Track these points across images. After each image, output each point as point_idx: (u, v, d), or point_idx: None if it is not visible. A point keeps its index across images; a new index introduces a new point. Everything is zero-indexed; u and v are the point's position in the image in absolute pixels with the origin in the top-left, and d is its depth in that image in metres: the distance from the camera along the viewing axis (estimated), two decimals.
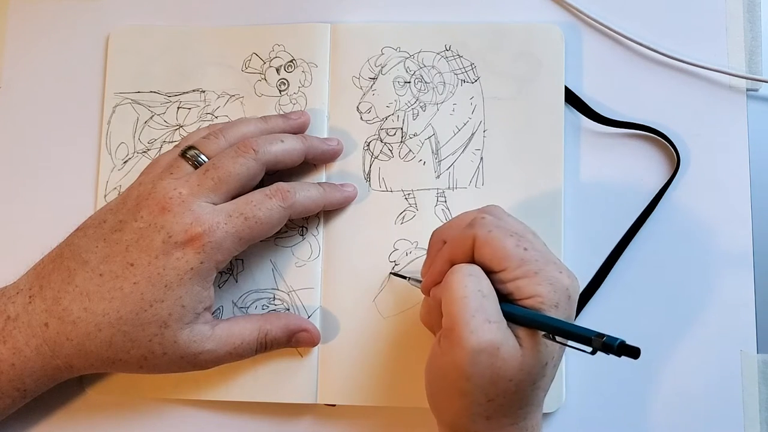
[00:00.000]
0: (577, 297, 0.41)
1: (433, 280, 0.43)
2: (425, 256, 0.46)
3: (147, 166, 0.49)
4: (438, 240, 0.44)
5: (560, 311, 0.40)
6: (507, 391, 0.39)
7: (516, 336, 0.39)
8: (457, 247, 0.42)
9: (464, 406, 0.40)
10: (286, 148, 0.48)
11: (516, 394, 0.39)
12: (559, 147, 0.52)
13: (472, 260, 0.41)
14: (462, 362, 0.38)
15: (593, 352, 0.37)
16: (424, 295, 0.46)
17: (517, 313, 0.40)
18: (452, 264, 0.42)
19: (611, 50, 0.54)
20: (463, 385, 0.39)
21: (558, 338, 0.39)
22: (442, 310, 0.40)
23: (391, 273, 0.51)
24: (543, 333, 0.39)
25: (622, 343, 0.36)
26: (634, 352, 0.36)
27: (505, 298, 0.40)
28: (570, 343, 0.39)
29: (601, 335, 0.36)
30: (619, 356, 0.36)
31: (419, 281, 0.47)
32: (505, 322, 0.39)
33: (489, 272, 0.41)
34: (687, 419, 0.50)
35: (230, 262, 0.47)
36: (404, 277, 0.50)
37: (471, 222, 0.42)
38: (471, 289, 0.39)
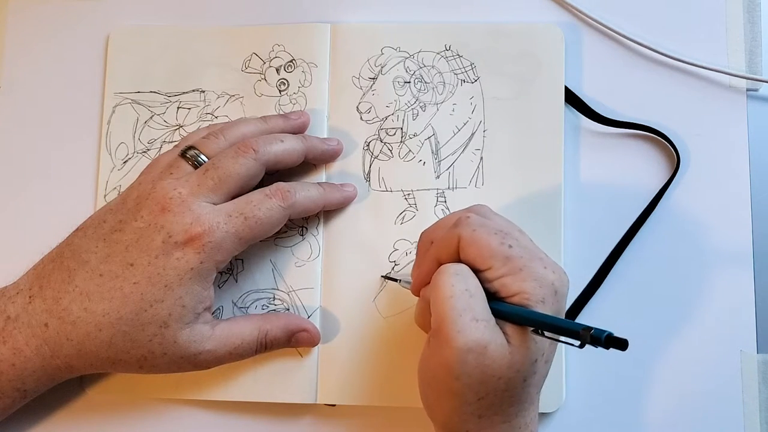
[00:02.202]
0: (566, 291, 0.41)
1: (422, 281, 0.43)
2: (416, 258, 0.46)
3: (147, 166, 0.49)
4: (426, 241, 0.44)
5: (547, 307, 0.40)
6: (497, 390, 0.39)
7: (504, 333, 0.39)
8: (443, 247, 0.42)
9: (455, 405, 0.40)
10: (286, 148, 0.48)
11: (506, 392, 0.39)
12: (559, 147, 0.52)
13: (458, 260, 0.41)
14: (450, 362, 0.38)
15: (581, 346, 0.37)
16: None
17: (504, 309, 0.40)
18: (439, 264, 0.42)
19: (611, 50, 0.54)
20: (453, 384, 0.39)
21: (546, 333, 0.39)
22: (431, 310, 0.40)
23: (382, 276, 0.51)
24: (531, 329, 0.39)
25: (610, 336, 0.36)
26: (621, 344, 0.36)
27: (492, 297, 0.40)
28: (558, 337, 0.39)
29: (589, 328, 0.36)
30: (607, 348, 0.36)
31: (410, 283, 0.47)
32: (493, 320, 0.39)
33: (475, 271, 0.41)
34: (687, 419, 0.50)
35: (230, 262, 0.47)
36: (396, 280, 0.50)
37: (456, 221, 0.42)
38: (458, 288, 0.39)
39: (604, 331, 0.36)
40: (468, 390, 0.39)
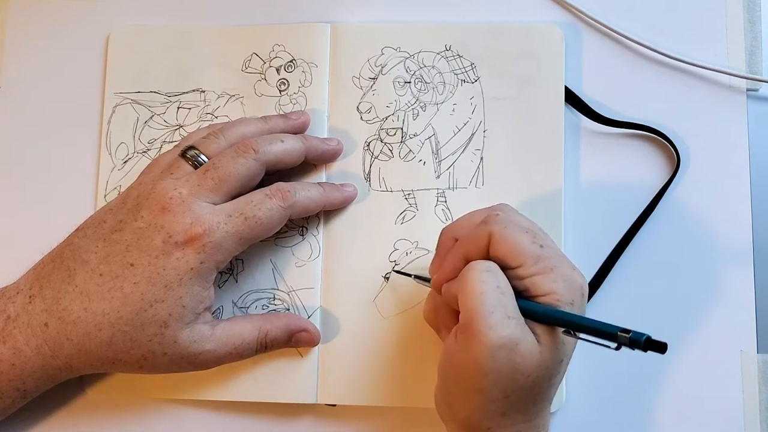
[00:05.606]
0: (587, 295, 0.41)
1: (446, 277, 0.43)
2: (434, 254, 0.46)
3: (147, 166, 0.49)
4: (448, 238, 0.44)
5: (575, 308, 0.40)
6: (524, 388, 0.39)
7: (534, 333, 0.39)
8: (472, 243, 0.42)
9: (480, 402, 0.40)
10: (286, 148, 0.48)
11: (532, 390, 0.39)
12: (559, 147, 0.52)
13: (487, 257, 0.41)
14: (480, 358, 0.38)
15: (618, 348, 0.37)
16: (428, 293, 0.46)
17: (538, 310, 0.40)
18: (466, 260, 0.42)
19: (611, 50, 0.54)
20: (480, 381, 0.39)
21: (580, 335, 0.39)
22: (459, 306, 0.40)
23: (394, 270, 0.51)
24: (563, 329, 0.39)
25: (649, 339, 0.36)
26: (660, 347, 0.36)
27: (520, 295, 0.40)
28: (594, 339, 0.38)
29: (627, 330, 0.37)
30: (645, 351, 0.36)
31: (425, 279, 0.47)
32: (522, 318, 0.39)
33: (504, 269, 0.41)
34: (687, 419, 0.50)
35: (230, 262, 0.47)
36: (408, 275, 0.49)
37: (485, 219, 0.42)
38: (489, 285, 0.39)
39: (643, 334, 0.36)
40: (495, 387, 0.39)
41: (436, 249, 0.45)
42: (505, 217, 0.42)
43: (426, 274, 0.47)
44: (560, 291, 0.40)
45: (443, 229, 0.45)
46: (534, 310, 0.40)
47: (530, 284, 0.40)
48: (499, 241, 0.41)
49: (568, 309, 0.40)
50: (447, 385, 0.42)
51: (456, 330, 0.40)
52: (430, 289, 0.46)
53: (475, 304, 0.39)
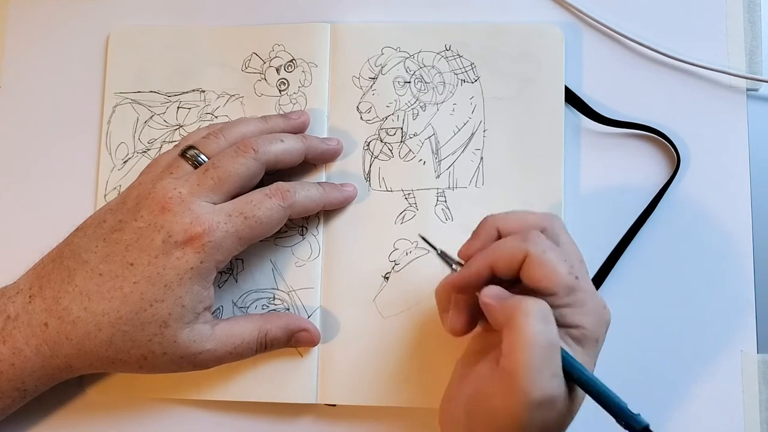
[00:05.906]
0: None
1: (466, 280, 0.42)
2: (471, 237, 0.43)
3: (147, 166, 0.49)
4: (491, 228, 0.43)
5: (598, 345, 0.40)
6: None
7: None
8: (503, 257, 0.40)
9: None
10: (286, 147, 0.48)
11: None
12: (559, 147, 0.52)
13: (517, 274, 0.40)
14: (520, 413, 0.37)
15: (622, 426, 0.38)
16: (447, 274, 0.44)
17: (572, 371, 0.39)
18: (492, 270, 0.41)
19: (611, 50, 0.54)
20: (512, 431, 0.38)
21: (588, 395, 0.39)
22: (503, 348, 0.38)
23: (419, 236, 0.49)
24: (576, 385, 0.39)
25: (646, 428, 0.37)
26: None
27: None
28: (607, 409, 0.39)
29: (633, 417, 0.38)
30: None
31: (450, 260, 0.44)
32: (563, 373, 0.38)
33: (534, 293, 0.40)
34: (687, 419, 0.50)
35: (230, 261, 0.47)
36: (434, 248, 0.45)
37: (524, 236, 0.40)
38: (543, 339, 0.37)
39: (643, 422, 0.38)
40: None
41: (475, 232, 0.43)
42: (546, 239, 0.40)
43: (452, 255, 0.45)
44: (589, 326, 0.39)
45: (488, 217, 0.43)
46: (567, 370, 0.39)
47: (559, 315, 0.39)
48: (535, 264, 0.39)
49: (592, 346, 0.40)
50: (471, 420, 0.40)
51: (497, 366, 0.39)
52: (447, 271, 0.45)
53: (526, 359, 0.37)
